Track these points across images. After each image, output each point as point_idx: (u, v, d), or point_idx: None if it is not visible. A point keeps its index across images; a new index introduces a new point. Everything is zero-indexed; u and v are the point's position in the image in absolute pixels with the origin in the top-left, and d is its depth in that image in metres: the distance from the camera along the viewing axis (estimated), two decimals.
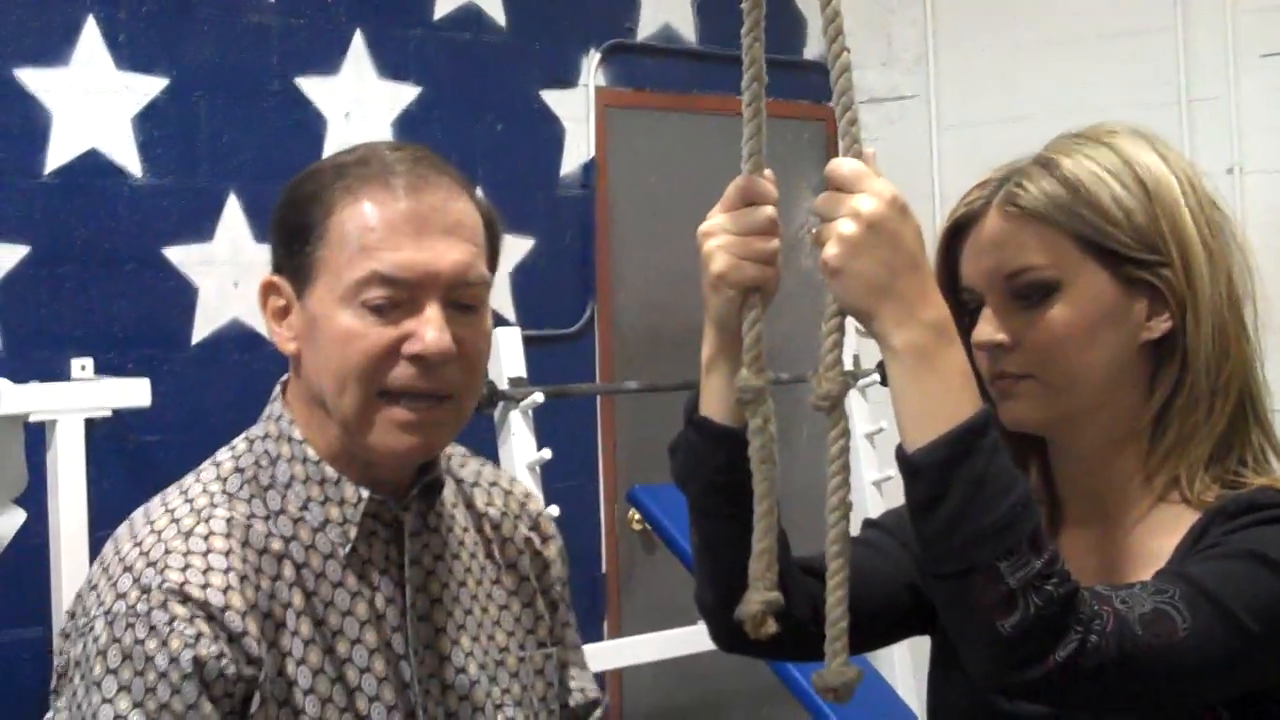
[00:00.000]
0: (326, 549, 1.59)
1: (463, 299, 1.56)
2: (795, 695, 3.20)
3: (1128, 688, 1.27)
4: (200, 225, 4.00)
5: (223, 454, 1.66)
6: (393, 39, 4.33)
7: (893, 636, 1.58)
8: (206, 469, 1.64)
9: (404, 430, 1.55)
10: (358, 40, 4.27)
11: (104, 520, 3.44)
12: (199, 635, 1.48)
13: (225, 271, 4.03)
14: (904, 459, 1.28)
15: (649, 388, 4.27)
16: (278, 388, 1.68)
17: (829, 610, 1.31)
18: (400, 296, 1.54)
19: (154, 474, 3.82)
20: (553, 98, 4.66)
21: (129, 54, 3.88)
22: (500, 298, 4.49)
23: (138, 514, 1.64)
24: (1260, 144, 4.45)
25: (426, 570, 1.65)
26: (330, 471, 1.60)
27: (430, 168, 1.61)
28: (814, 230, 1.31)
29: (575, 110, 4.70)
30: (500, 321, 4.40)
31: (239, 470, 1.63)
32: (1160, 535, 1.44)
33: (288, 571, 1.57)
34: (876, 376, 4.27)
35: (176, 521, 1.57)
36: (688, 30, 4.92)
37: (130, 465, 3.78)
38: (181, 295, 3.97)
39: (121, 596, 1.51)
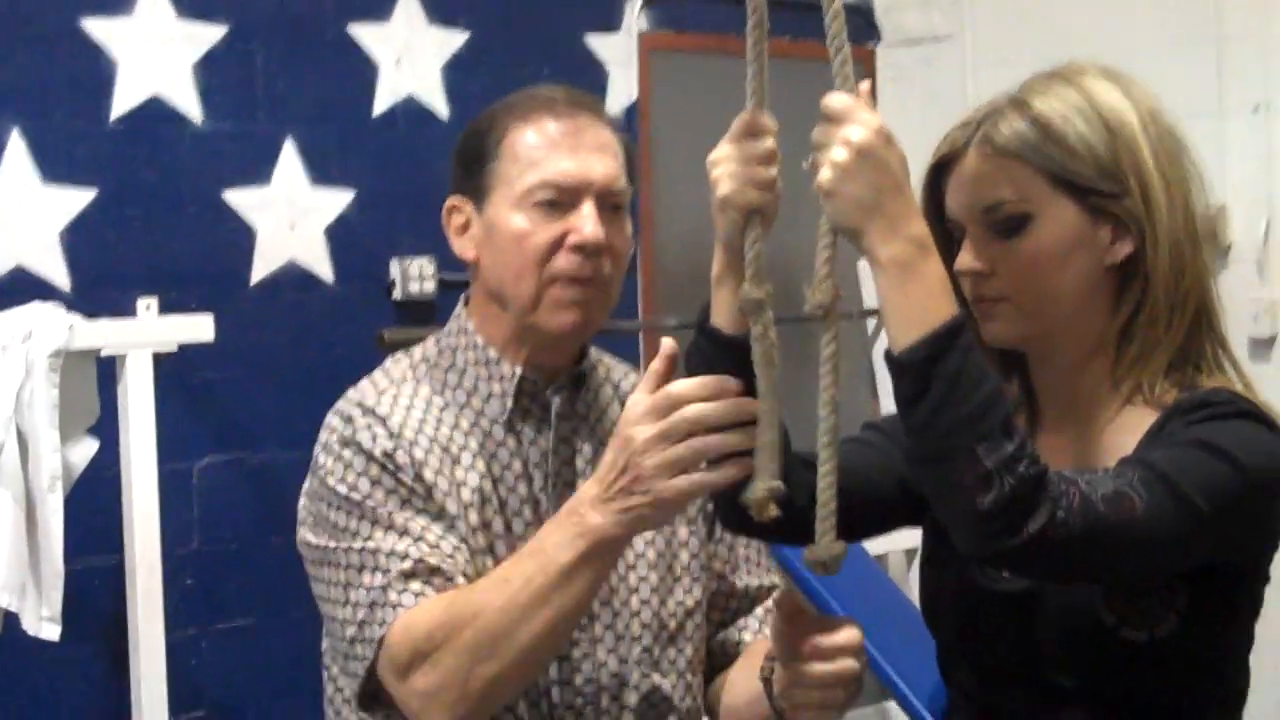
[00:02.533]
0: (491, 416, 1.97)
1: (610, 202, 1.92)
2: (796, 581, 3.30)
3: (1091, 558, 1.42)
4: (258, 169, 4.14)
5: (414, 349, 2.04)
6: None
7: (886, 525, 1.74)
8: (400, 357, 2.02)
9: (566, 309, 1.90)
10: None
11: (170, 453, 3.62)
12: (375, 436, 1.92)
13: (283, 214, 4.17)
14: (891, 358, 1.44)
15: (686, 324, 4.39)
16: (461, 297, 2.06)
17: (820, 492, 1.48)
18: (563, 199, 1.90)
19: (215, 408, 4.00)
20: (597, 42, 4.78)
21: (189, 3, 4.01)
22: None
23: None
24: None
25: (572, 448, 1.98)
26: (493, 354, 1.96)
27: (581, 101, 1.99)
28: (810, 158, 1.46)
29: (619, 54, 4.81)
30: None
31: (425, 359, 2.02)
32: (1126, 434, 1.58)
33: (464, 423, 1.96)
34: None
35: (374, 383, 2.02)
36: None
37: (193, 400, 3.94)
38: (240, 237, 4.11)
39: (333, 425, 1.99)
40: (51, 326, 3.19)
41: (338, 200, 4.27)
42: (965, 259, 1.60)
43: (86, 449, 3.26)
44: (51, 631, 3.17)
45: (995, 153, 1.59)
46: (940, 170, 1.64)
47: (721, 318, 1.61)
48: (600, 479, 1.70)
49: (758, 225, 1.55)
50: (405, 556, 1.86)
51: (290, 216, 4.19)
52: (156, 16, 3.98)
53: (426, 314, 4.35)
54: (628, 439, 1.66)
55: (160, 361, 3.54)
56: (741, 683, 2.02)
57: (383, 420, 1.94)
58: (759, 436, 1.54)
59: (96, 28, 3.89)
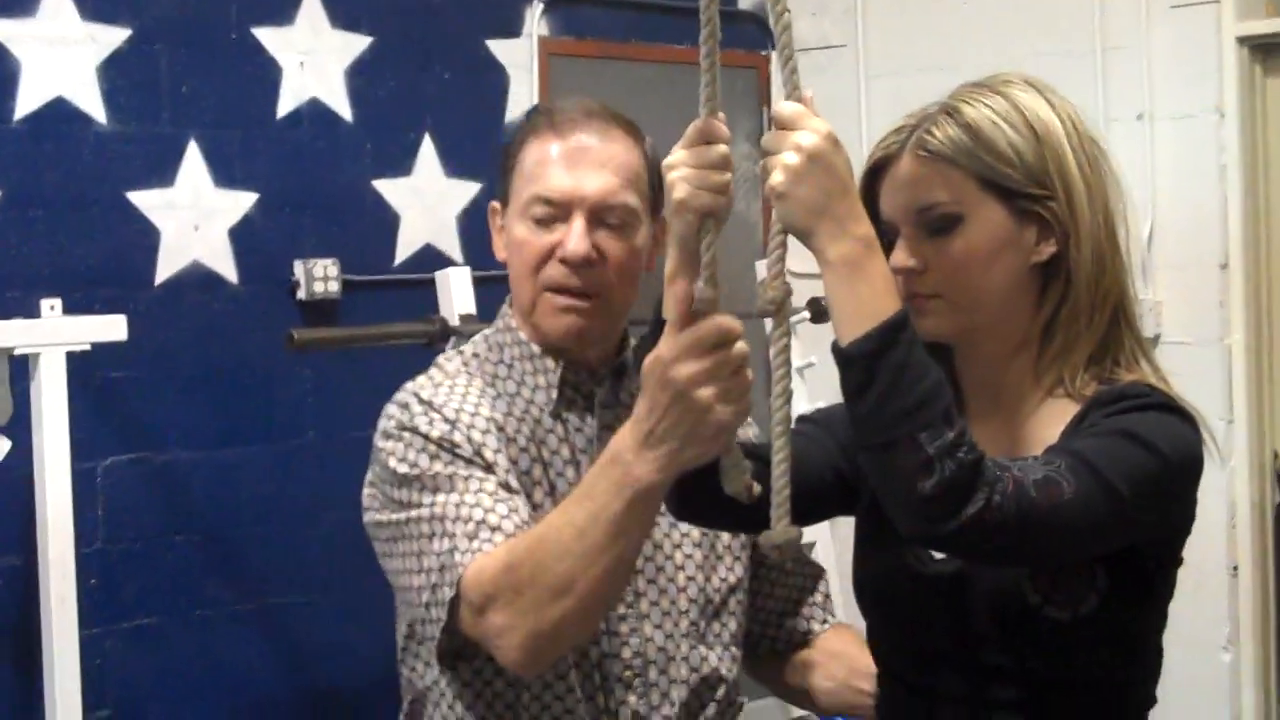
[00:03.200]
0: (539, 407, 2.08)
1: (607, 218, 2.01)
2: None
3: (1024, 540, 1.51)
4: (162, 170, 4.14)
5: (465, 346, 2.12)
6: None
7: (822, 514, 1.81)
8: (452, 354, 2.10)
9: (557, 314, 2.00)
10: None
11: (76, 452, 3.62)
12: (431, 421, 2.01)
13: (186, 215, 4.18)
14: (839, 351, 1.51)
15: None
16: (508, 298, 2.16)
17: (774, 480, 1.55)
18: (555, 213, 2.00)
19: (120, 407, 4.00)
20: (498, 47, 4.83)
21: (93, 5, 4.02)
22: (448, 240, 4.68)
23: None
24: (1169, 91, 4.66)
25: (615, 424, 1.98)
26: (536, 349, 2.06)
27: (596, 116, 2.04)
28: (761, 163, 1.54)
29: (519, 59, 4.86)
30: (449, 262, 4.59)
31: (475, 355, 2.11)
32: (1048, 424, 1.68)
33: (516, 411, 2.07)
34: (807, 314, 4.47)
35: (430, 378, 2.11)
36: None
37: (98, 400, 3.94)
38: (145, 238, 4.11)
39: (391, 414, 2.07)
40: None
41: (241, 201, 4.28)
42: (899, 257, 1.68)
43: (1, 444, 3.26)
44: None
45: (929, 157, 1.67)
46: (874, 174, 1.72)
47: (672, 315, 1.65)
48: (639, 422, 1.71)
49: (712, 228, 1.60)
50: (468, 520, 1.95)
51: (194, 218, 4.20)
52: (60, 18, 3.98)
53: (330, 314, 4.38)
54: (669, 380, 1.65)
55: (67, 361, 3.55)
56: (823, 673, 2.20)
57: (439, 408, 2.04)
58: None
59: (0, 28, 3.88)
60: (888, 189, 1.71)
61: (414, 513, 1.99)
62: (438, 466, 1.99)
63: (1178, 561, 1.73)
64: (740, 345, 1.64)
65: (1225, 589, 4.62)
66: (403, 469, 2.01)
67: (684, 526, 2.08)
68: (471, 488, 1.98)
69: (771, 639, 2.26)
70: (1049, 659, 1.64)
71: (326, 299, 4.36)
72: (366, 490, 2.13)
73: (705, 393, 1.64)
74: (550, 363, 2.09)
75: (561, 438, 2.08)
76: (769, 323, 1.59)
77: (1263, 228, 4.60)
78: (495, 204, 2.15)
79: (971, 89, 1.73)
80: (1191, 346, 4.66)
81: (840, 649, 2.22)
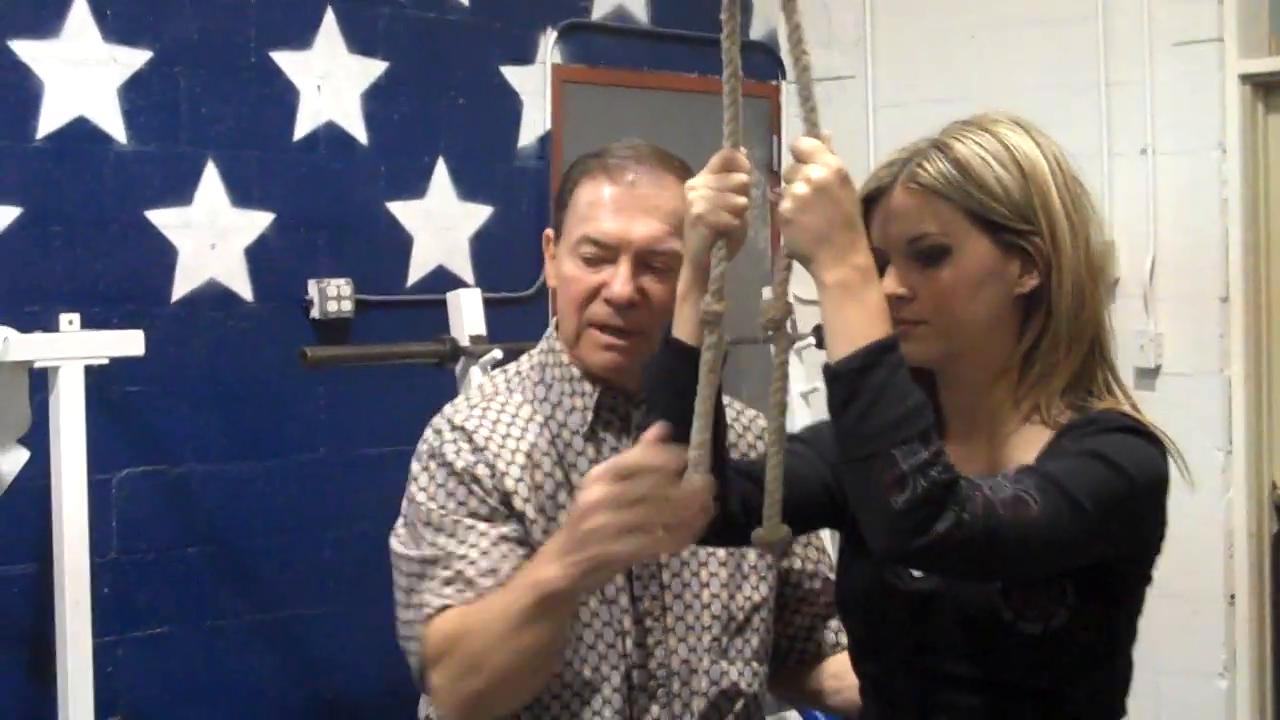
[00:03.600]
0: (574, 427, 2.17)
1: (653, 262, 2.10)
2: None
3: (992, 556, 1.58)
4: (180, 190, 4.23)
5: (511, 366, 2.22)
6: (362, 16, 4.57)
7: (810, 526, 1.89)
8: (498, 373, 2.22)
9: (600, 349, 2.10)
10: (329, 17, 4.50)
11: (91, 464, 3.70)
12: (460, 450, 2.12)
13: (203, 234, 4.26)
14: (827, 369, 1.60)
15: None
16: (554, 318, 2.25)
17: (768, 482, 1.64)
18: (603, 254, 2.09)
19: (136, 421, 4.08)
20: (512, 73, 4.92)
21: (115, 27, 4.10)
22: (460, 262, 4.76)
23: None
24: (1171, 126, 4.74)
25: None
26: (576, 372, 2.14)
27: (647, 161, 2.14)
28: (778, 190, 1.63)
29: (533, 85, 4.96)
30: (460, 283, 4.67)
31: (519, 374, 2.20)
32: (1024, 449, 1.75)
33: (548, 435, 2.15)
34: (812, 340, 4.54)
35: (468, 399, 2.22)
36: (640, 11, 5.16)
37: (114, 413, 4.02)
38: (162, 255, 4.20)
39: (426, 437, 2.18)
40: None
41: (258, 221, 4.37)
42: (889, 284, 1.75)
43: (18, 457, 3.34)
44: None
45: (920, 190, 1.75)
46: (867, 204, 1.80)
47: (684, 330, 1.75)
48: (565, 526, 1.85)
49: (723, 247, 1.70)
50: (449, 566, 2.06)
51: (211, 237, 4.29)
52: (83, 39, 4.06)
53: (343, 333, 4.46)
54: (583, 499, 1.81)
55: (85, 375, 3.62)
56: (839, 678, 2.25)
57: (470, 435, 2.13)
58: (695, 434, 1.70)
59: (24, 49, 3.97)
60: (879, 219, 1.79)
61: (414, 551, 2.11)
62: (450, 505, 2.09)
63: (1146, 579, 1.79)
64: (643, 483, 1.73)
65: (1222, 617, 4.68)
66: (421, 498, 2.13)
67: (704, 554, 2.16)
68: (470, 538, 2.07)
69: (800, 651, 2.33)
70: (1021, 670, 1.71)
71: (340, 318, 4.45)
72: (403, 505, 2.22)
73: (600, 520, 1.77)
74: (589, 386, 2.17)
75: (592, 459, 2.15)
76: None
77: (1263, 261, 4.68)
78: (549, 233, 2.23)
79: (962, 126, 1.81)
80: (1191, 377, 4.73)
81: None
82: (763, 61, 5.53)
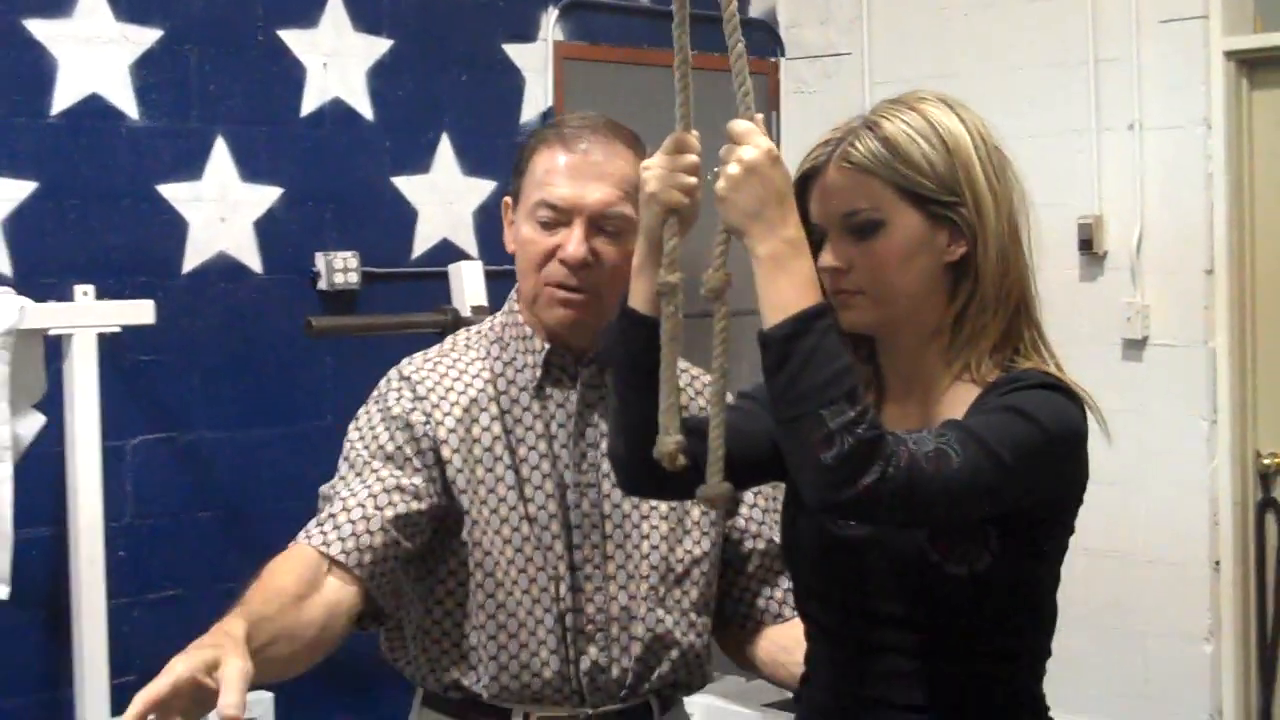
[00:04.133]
0: (523, 384, 2.30)
1: (605, 226, 2.24)
2: None
3: (914, 506, 1.69)
4: (191, 165, 4.37)
5: (475, 326, 2.37)
6: None
7: (759, 479, 2.00)
8: (464, 331, 2.37)
9: (556, 305, 2.23)
10: None
11: (105, 431, 3.83)
12: (400, 397, 2.27)
13: (213, 208, 4.40)
14: (760, 335, 1.71)
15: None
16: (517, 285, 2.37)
17: (710, 441, 1.75)
18: (558, 218, 2.23)
19: (148, 389, 4.21)
20: (514, 51, 5.04)
21: (126, 7, 4.24)
22: (464, 235, 4.88)
23: None
24: (1158, 103, 4.83)
25: (597, 413, 2.29)
26: (529, 331, 2.28)
27: (600, 131, 2.28)
28: (715, 170, 1.75)
29: (535, 62, 5.08)
30: (464, 256, 4.79)
31: (480, 332, 2.35)
32: (955, 405, 1.87)
33: (492, 391, 2.29)
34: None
35: (425, 354, 2.36)
36: None
37: (127, 382, 4.16)
38: (173, 229, 4.34)
39: (380, 382, 2.34)
40: (2, 307, 3.40)
41: (266, 196, 4.50)
42: (826, 258, 1.87)
43: (34, 422, 3.47)
44: (1, 591, 3.37)
45: (852, 168, 1.86)
46: (804, 182, 1.92)
47: (639, 300, 1.86)
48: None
49: (675, 222, 1.81)
50: (331, 506, 2.19)
51: (220, 210, 4.42)
52: (95, 18, 4.19)
53: (349, 303, 4.60)
54: None
55: (99, 344, 3.75)
56: (775, 646, 2.39)
57: (414, 385, 2.28)
58: (662, 401, 1.81)
59: (38, 28, 4.10)
60: (816, 196, 1.90)
61: (333, 479, 2.26)
62: (372, 446, 2.23)
63: (1067, 528, 1.91)
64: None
65: (1207, 583, 4.78)
66: (354, 435, 2.28)
67: (652, 500, 2.28)
68: (365, 478, 2.20)
69: (744, 616, 2.43)
70: (949, 611, 1.83)
71: (346, 289, 4.58)
72: None
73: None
74: (538, 344, 2.29)
75: (537, 414, 2.28)
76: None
77: (1247, 235, 4.76)
78: (508, 199, 2.35)
79: (890, 105, 1.92)
80: (1177, 348, 4.82)
81: (795, 630, 2.32)
82: (761, 38, 5.64)
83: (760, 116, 1.78)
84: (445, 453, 2.24)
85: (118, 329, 3.80)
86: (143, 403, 4.21)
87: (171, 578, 4.24)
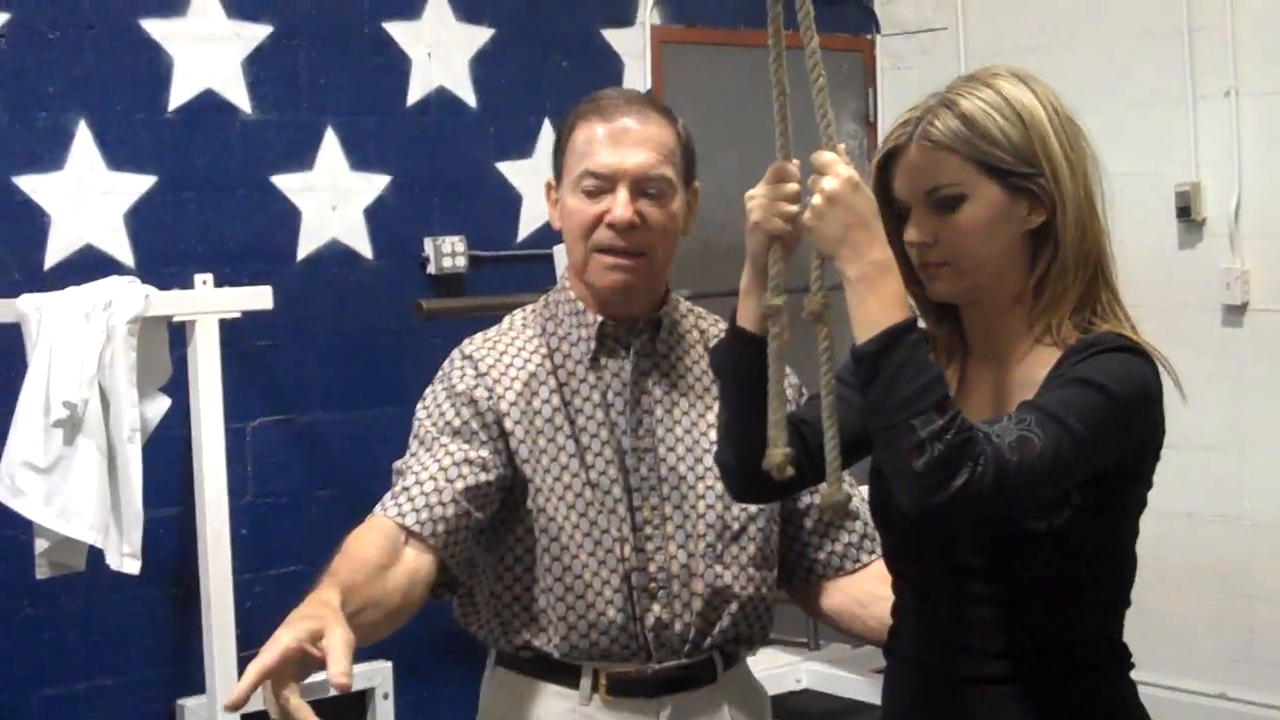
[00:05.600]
0: (578, 356, 2.39)
1: (647, 188, 2.33)
2: None
3: (1006, 496, 1.78)
4: (302, 155, 4.51)
5: (529, 305, 2.47)
6: None
7: (856, 457, 2.09)
8: (518, 311, 2.47)
9: (607, 271, 2.33)
10: None
11: (227, 413, 3.97)
12: (464, 375, 2.36)
13: (324, 197, 4.55)
14: (853, 351, 1.82)
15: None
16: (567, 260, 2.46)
17: (827, 452, 1.88)
18: (603, 185, 2.32)
19: (267, 373, 4.36)
20: (612, 36, 5.14)
21: (238, 5, 4.38)
22: None
23: None
24: (1254, 69, 4.84)
25: (651, 380, 2.40)
26: (581, 306, 2.38)
27: (635, 103, 2.38)
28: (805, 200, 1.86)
29: (633, 47, 5.17)
30: None
31: (534, 310, 2.45)
32: (1036, 367, 1.95)
33: (549, 364, 2.38)
34: None
35: (485, 334, 2.45)
36: None
37: (248, 366, 4.31)
38: (287, 218, 4.49)
39: (443, 364, 2.42)
40: (130, 296, 3.56)
41: (375, 183, 4.63)
42: (911, 233, 1.97)
43: (160, 405, 3.61)
44: (133, 566, 3.53)
45: (932, 146, 1.95)
46: (887, 161, 2.01)
47: (747, 320, 1.98)
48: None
49: (779, 248, 1.93)
50: (404, 479, 2.28)
51: (331, 199, 4.57)
52: (208, 17, 4.35)
53: (457, 287, 4.72)
54: None
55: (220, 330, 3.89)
56: (848, 599, 2.47)
57: (476, 363, 2.37)
58: (771, 414, 1.93)
59: (154, 28, 4.26)
60: (899, 174, 1.99)
61: (404, 456, 2.35)
62: (440, 422, 2.32)
63: (1146, 483, 1.99)
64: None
65: None
66: (421, 414, 2.38)
67: (707, 462, 2.37)
68: (436, 454, 2.29)
69: (806, 571, 2.52)
70: (1030, 562, 1.92)
71: (454, 273, 4.71)
72: None
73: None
74: (590, 317, 2.38)
75: (593, 385, 2.38)
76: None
77: None
78: (550, 181, 2.44)
79: (966, 83, 2.00)
80: (1277, 313, 4.83)
81: (867, 585, 2.46)
82: (857, 16, 5.70)
83: (843, 146, 1.87)
84: (508, 425, 2.33)
85: (237, 315, 3.94)
86: (261, 386, 4.36)
87: (291, 554, 4.37)
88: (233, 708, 1.83)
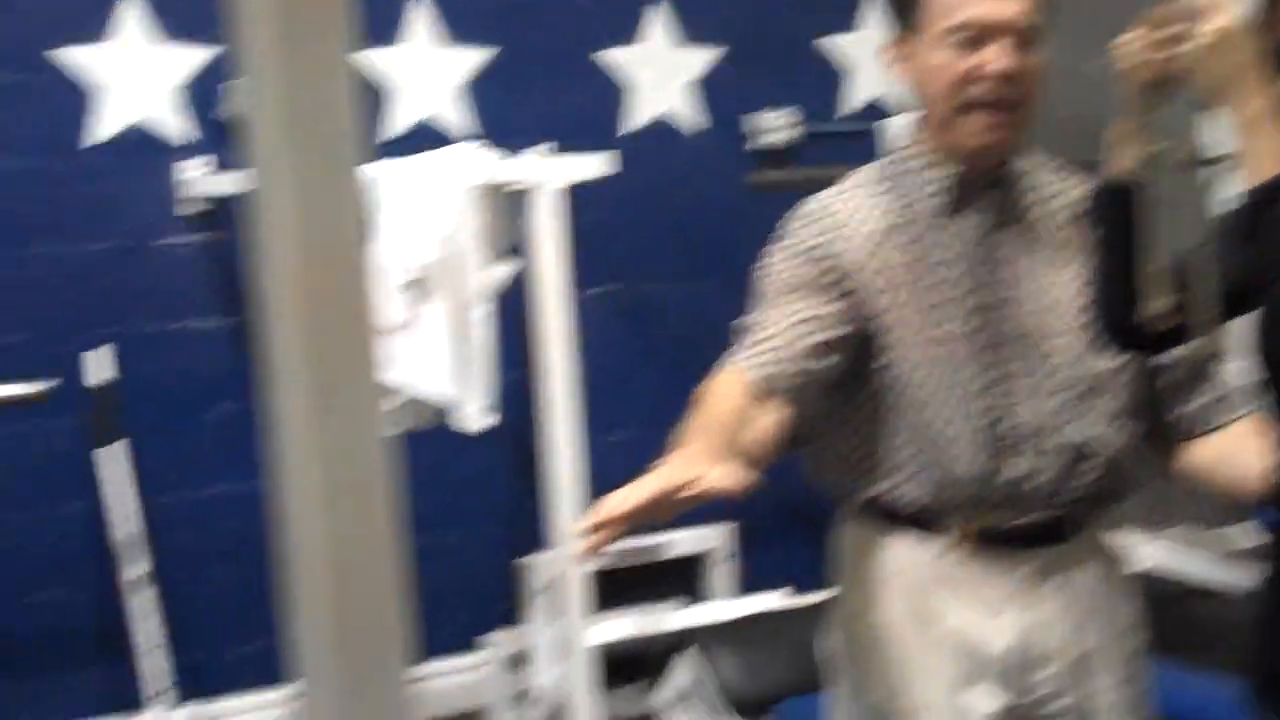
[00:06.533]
0: (931, 211, 2.35)
1: (1019, 38, 2.26)
2: None
3: None
4: (628, 29, 4.61)
5: (865, 168, 2.44)
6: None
7: (1237, 311, 2.06)
8: (862, 169, 2.44)
9: (983, 130, 2.28)
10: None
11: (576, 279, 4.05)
12: (808, 232, 2.34)
13: (653, 72, 4.62)
14: (1243, 195, 1.81)
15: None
16: (915, 115, 2.42)
17: (1202, 301, 1.87)
18: (977, 37, 2.25)
19: (601, 244, 4.45)
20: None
21: None
22: (896, 91, 4.97)
23: None
24: None
25: (1005, 233, 2.37)
26: (935, 157, 2.34)
27: None
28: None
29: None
30: (897, 113, 4.88)
31: (879, 168, 2.42)
32: None
33: (897, 220, 2.36)
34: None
35: (827, 193, 2.44)
36: None
37: (581, 236, 4.34)
38: (613, 94, 4.60)
39: (785, 227, 2.42)
40: (478, 163, 3.66)
41: (702, 58, 4.68)
42: None
43: (505, 269, 3.71)
44: (487, 420, 3.64)
45: None
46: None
47: (1122, 169, 1.98)
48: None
49: (1150, 94, 1.92)
50: (755, 333, 2.32)
51: (660, 74, 4.63)
52: None
53: (783, 160, 4.75)
54: None
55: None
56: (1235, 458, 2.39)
57: (817, 219, 2.38)
58: (1148, 265, 1.93)
59: None
60: None
61: (752, 314, 2.37)
62: (785, 278, 2.34)
63: None
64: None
65: None
66: (766, 272, 2.39)
67: (1064, 316, 2.34)
68: (782, 310, 2.31)
69: (1159, 431, 2.45)
70: None
71: (781, 146, 4.74)
72: None
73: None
74: (941, 172, 2.34)
75: (949, 238, 2.34)
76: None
77: None
78: (888, 45, 2.37)
79: None
80: None
81: (1223, 443, 2.40)
82: None
83: None
84: (857, 280, 2.33)
85: (572, 185, 4.03)
86: (595, 257, 4.44)
87: (624, 420, 4.47)
88: (593, 549, 1.92)
